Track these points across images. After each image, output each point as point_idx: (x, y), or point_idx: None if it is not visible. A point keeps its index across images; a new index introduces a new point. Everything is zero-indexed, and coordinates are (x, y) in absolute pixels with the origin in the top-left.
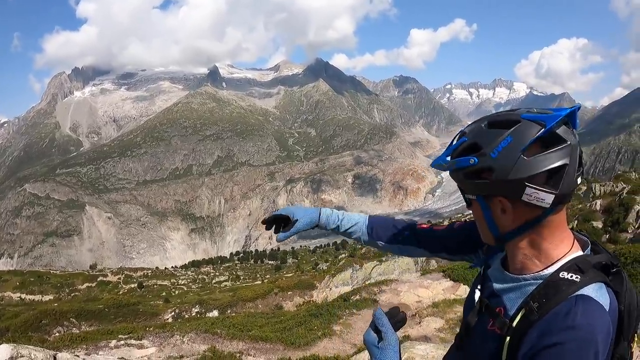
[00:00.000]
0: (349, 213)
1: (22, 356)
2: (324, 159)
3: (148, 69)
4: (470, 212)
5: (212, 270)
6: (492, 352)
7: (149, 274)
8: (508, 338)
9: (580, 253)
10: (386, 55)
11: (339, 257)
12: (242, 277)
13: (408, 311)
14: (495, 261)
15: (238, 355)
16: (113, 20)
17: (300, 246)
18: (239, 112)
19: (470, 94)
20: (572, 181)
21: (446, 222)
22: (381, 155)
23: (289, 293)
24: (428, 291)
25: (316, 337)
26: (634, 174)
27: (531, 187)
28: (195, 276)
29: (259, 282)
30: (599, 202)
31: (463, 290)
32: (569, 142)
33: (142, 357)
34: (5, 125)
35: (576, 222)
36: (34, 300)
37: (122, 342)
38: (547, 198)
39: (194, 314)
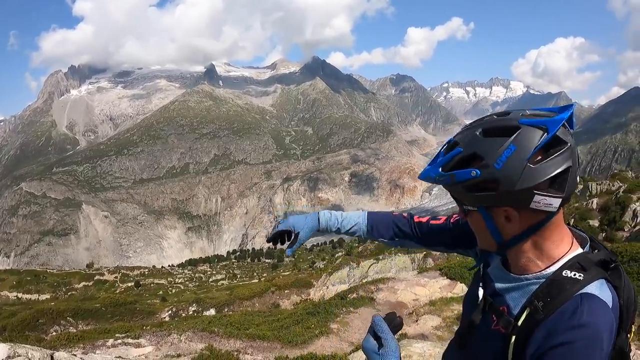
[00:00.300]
0: (348, 213)
1: (19, 355)
2: (321, 158)
3: (145, 67)
4: None
5: (209, 269)
6: (497, 352)
7: (146, 273)
8: (514, 337)
9: (580, 250)
10: (383, 53)
11: (336, 256)
12: (239, 276)
13: (405, 309)
14: (494, 259)
15: (235, 353)
16: (109, 19)
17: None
18: (236, 111)
19: (467, 93)
20: (575, 181)
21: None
22: (378, 153)
23: (286, 291)
24: (425, 289)
25: (313, 335)
26: (630, 172)
27: (540, 195)
28: (192, 275)
29: (256, 281)
30: (595, 200)
31: (460, 289)
32: (569, 144)
33: (139, 356)
34: (2, 123)
35: (573, 220)
36: (30, 299)
37: (119, 341)
38: (555, 202)
39: (191, 313)
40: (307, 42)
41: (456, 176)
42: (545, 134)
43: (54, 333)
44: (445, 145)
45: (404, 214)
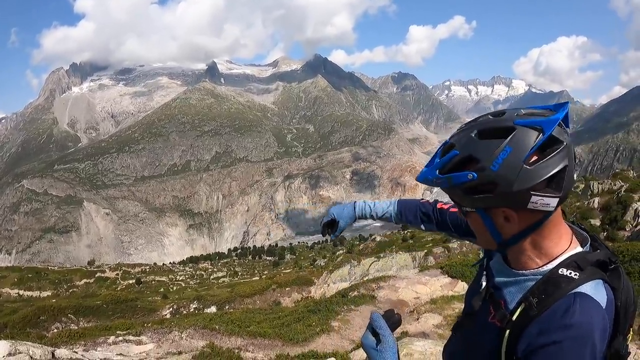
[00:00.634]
0: (379, 202)
1: (20, 352)
2: (322, 155)
3: (146, 64)
4: None
5: (210, 267)
6: (492, 344)
7: (147, 270)
8: (508, 331)
9: (579, 249)
10: (385, 51)
11: (337, 254)
12: (240, 273)
13: (406, 307)
14: (496, 253)
15: (236, 351)
16: (111, 16)
17: (299, 242)
18: (237, 108)
19: (469, 91)
20: (572, 180)
21: None
22: (379, 151)
23: (287, 289)
24: (426, 287)
25: (314, 333)
26: (632, 172)
27: (537, 195)
28: (194, 272)
29: (257, 278)
30: (596, 200)
31: (461, 287)
32: (565, 143)
33: (140, 353)
34: (3, 121)
35: (574, 219)
36: (32, 296)
37: (120, 338)
38: (552, 202)
39: (192, 310)
40: (309, 40)
41: (453, 179)
42: (541, 134)
43: (55, 330)
44: (441, 147)
45: (429, 200)
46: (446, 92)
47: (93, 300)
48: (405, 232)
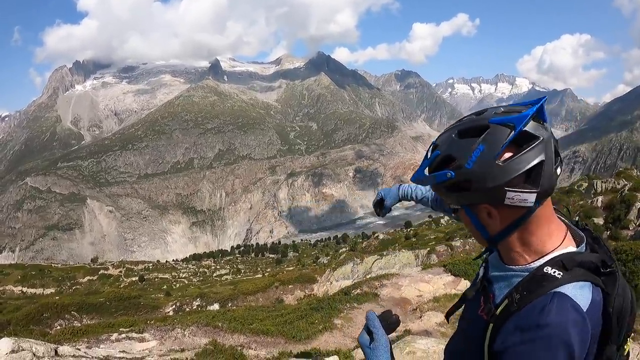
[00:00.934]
0: (419, 187)
1: (23, 350)
2: (325, 153)
3: (149, 62)
4: None
5: (213, 264)
6: (479, 336)
7: (150, 267)
8: (491, 325)
9: (572, 249)
10: (388, 49)
11: (340, 251)
12: (243, 271)
13: (409, 306)
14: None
15: (239, 348)
16: (114, 14)
17: (302, 240)
18: (240, 106)
19: (473, 89)
20: (551, 175)
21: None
22: (382, 149)
23: (289, 287)
24: (429, 286)
25: (317, 330)
26: (635, 171)
27: (512, 191)
28: (196, 269)
29: (260, 276)
30: (600, 198)
31: (464, 285)
32: (541, 138)
33: (143, 350)
34: (7, 119)
35: (577, 218)
36: (35, 293)
37: (123, 335)
38: (530, 197)
39: (195, 307)
40: (312, 38)
41: (436, 178)
42: (512, 131)
43: (59, 327)
44: (430, 146)
45: None
46: (449, 90)
47: (96, 298)
48: (409, 230)
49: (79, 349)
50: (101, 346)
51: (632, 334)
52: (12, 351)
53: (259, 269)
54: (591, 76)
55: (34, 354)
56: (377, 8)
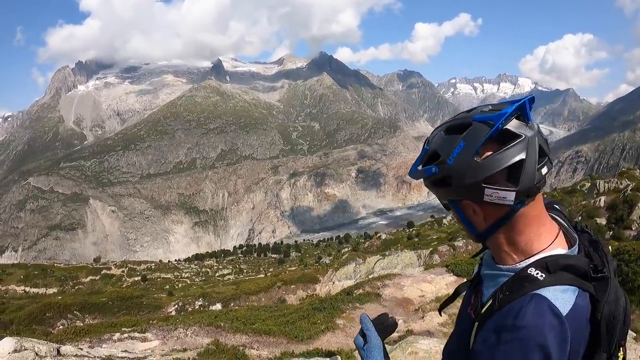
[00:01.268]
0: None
1: (25, 349)
2: (328, 153)
3: (151, 62)
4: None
5: (215, 264)
6: (467, 334)
7: (153, 267)
8: (477, 324)
9: (561, 251)
10: (390, 49)
11: (342, 251)
12: (245, 271)
13: (411, 306)
14: None
15: (241, 348)
16: (116, 14)
17: (304, 240)
18: (243, 106)
19: (475, 89)
20: (532, 174)
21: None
22: (385, 149)
23: (292, 287)
24: (431, 286)
25: (319, 330)
26: (638, 171)
27: (490, 188)
28: (199, 269)
29: (262, 276)
30: (603, 198)
31: None
32: (523, 137)
33: (145, 350)
34: (9, 119)
35: (580, 218)
36: (38, 293)
37: (125, 335)
38: (509, 196)
39: (197, 307)
40: (314, 37)
41: (424, 172)
42: (491, 128)
43: (61, 327)
44: (424, 143)
45: None
46: (452, 89)
47: (98, 297)
48: (411, 230)
49: (82, 349)
50: (103, 346)
51: (624, 343)
52: (15, 350)
53: (261, 269)
54: (594, 76)
55: (37, 354)
56: (379, 8)
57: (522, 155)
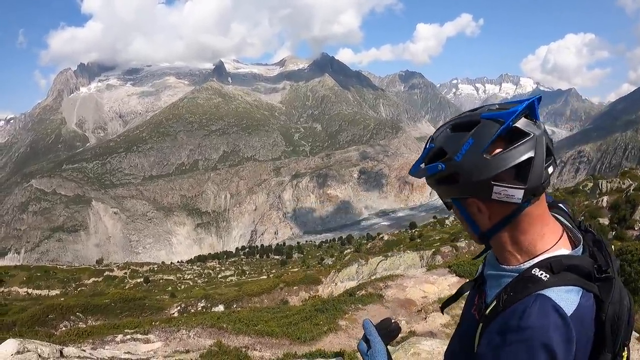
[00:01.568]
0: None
1: (28, 351)
2: (330, 154)
3: (153, 64)
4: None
5: (217, 265)
6: (471, 335)
7: (155, 269)
8: (481, 325)
9: (565, 251)
10: (392, 50)
11: (345, 252)
12: (247, 272)
13: (414, 307)
14: None
15: (244, 349)
16: (118, 16)
17: (306, 241)
18: (245, 107)
19: (477, 89)
20: (540, 173)
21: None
22: (387, 150)
23: (294, 288)
24: (434, 287)
25: (322, 332)
26: None
27: (498, 186)
28: (201, 271)
29: (265, 277)
30: (605, 198)
31: None
32: (531, 135)
33: (148, 351)
34: (12, 121)
35: (582, 218)
36: (40, 295)
37: (128, 336)
38: (517, 194)
39: (199, 309)
40: (316, 39)
41: (428, 170)
42: (501, 126)
43: (64, 328)
44: (427, 140)
45: None
46: (454, 90)
47: (101, 299)
48: (413, 231)
49: (84, 350)
50: (106, 347)
51: (628, 343)
52: (18, 352)
53: (263, 270)
54: (595, 75)
55: (39, 355)
56: (381, 9)
57: (531, 154)
